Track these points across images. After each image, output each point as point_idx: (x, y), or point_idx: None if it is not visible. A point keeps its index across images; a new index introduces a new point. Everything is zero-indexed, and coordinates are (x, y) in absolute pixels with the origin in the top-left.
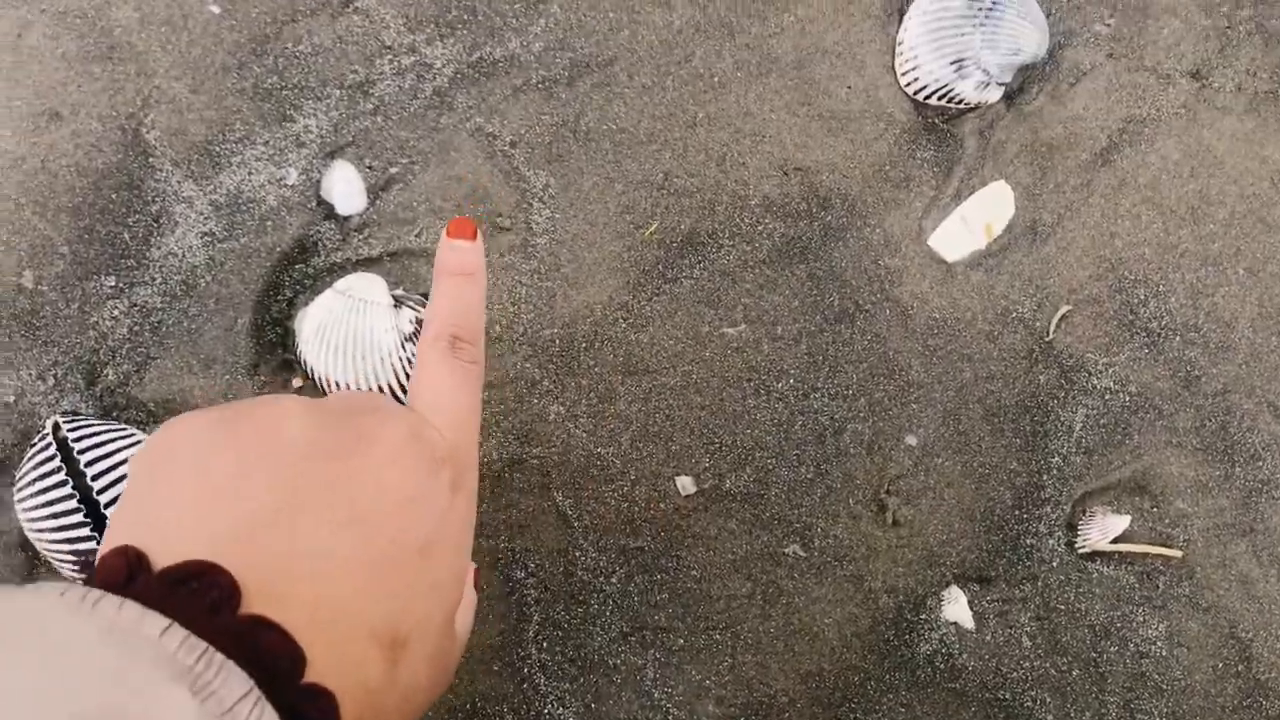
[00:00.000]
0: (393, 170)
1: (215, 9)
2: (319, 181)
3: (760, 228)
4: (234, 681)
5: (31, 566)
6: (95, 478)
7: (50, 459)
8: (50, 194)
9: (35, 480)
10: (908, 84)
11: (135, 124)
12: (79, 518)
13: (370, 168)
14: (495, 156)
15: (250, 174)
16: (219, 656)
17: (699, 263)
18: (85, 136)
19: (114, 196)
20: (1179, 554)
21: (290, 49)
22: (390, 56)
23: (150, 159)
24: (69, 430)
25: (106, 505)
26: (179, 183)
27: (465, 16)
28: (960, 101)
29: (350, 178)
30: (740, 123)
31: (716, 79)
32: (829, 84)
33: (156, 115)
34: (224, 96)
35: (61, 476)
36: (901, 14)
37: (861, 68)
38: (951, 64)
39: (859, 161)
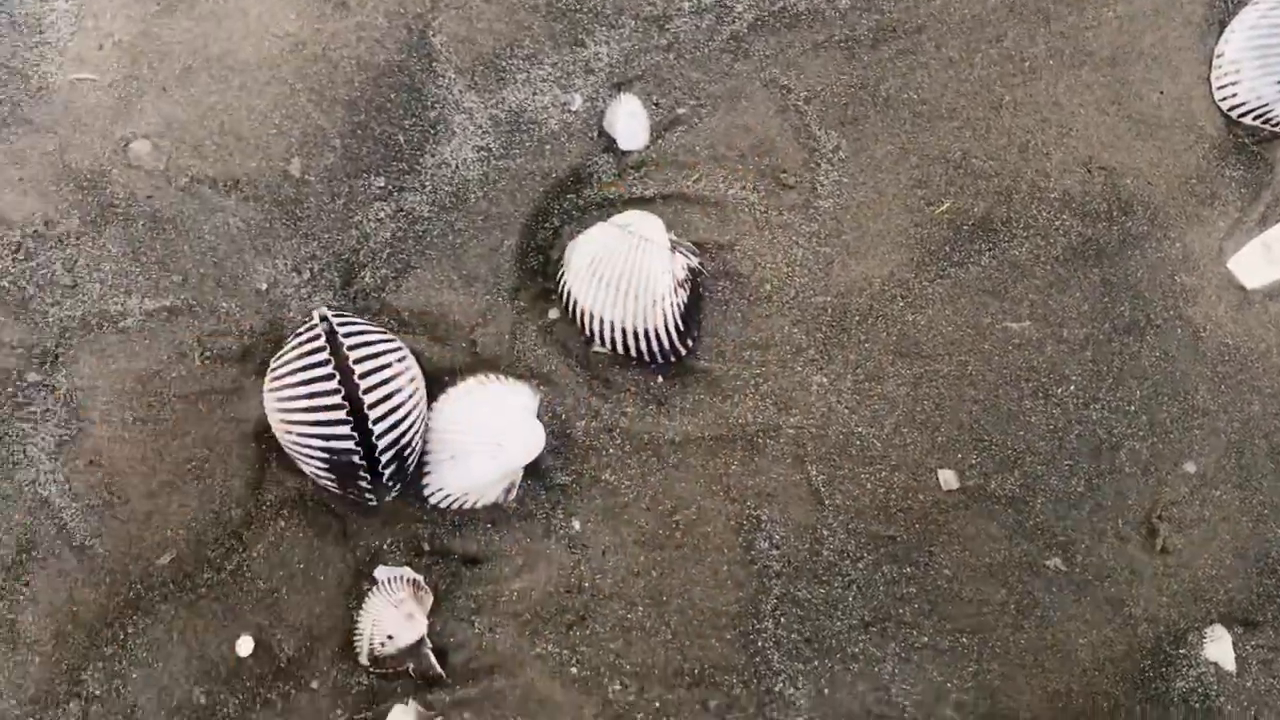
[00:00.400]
0: (679, 111)
1: None
2: (602, 112)
3: (1057, 223)
4: None
5: (263, 460)
6: (363, 376)
7: (319, 350)
8: (328, 84)
9: (299, 370)
10: (1223, 99)
11: (422, 25)
12: (341, 415)
13: (657, 105)
14: (787, 111)
15: (535, 94)
16: None
17: (989, 250)
18: (370, 30)
19: (392, 96)
20: None
21: None
22: None
23: (434, 63)
24: (338, 324)
25: (370, 406)
26: (461, 92)
27: None
28: (1277, 125)
29: (635, 112)
30: (1048, 112)
31: (1027, 64)
32: (1142, 86)
33: (445, 19)
34: (516, 10)
35: (328, 370)
36: (1223, 25)
37: (1176, 74)
38: (1278, 84)
39: (1165, 171)
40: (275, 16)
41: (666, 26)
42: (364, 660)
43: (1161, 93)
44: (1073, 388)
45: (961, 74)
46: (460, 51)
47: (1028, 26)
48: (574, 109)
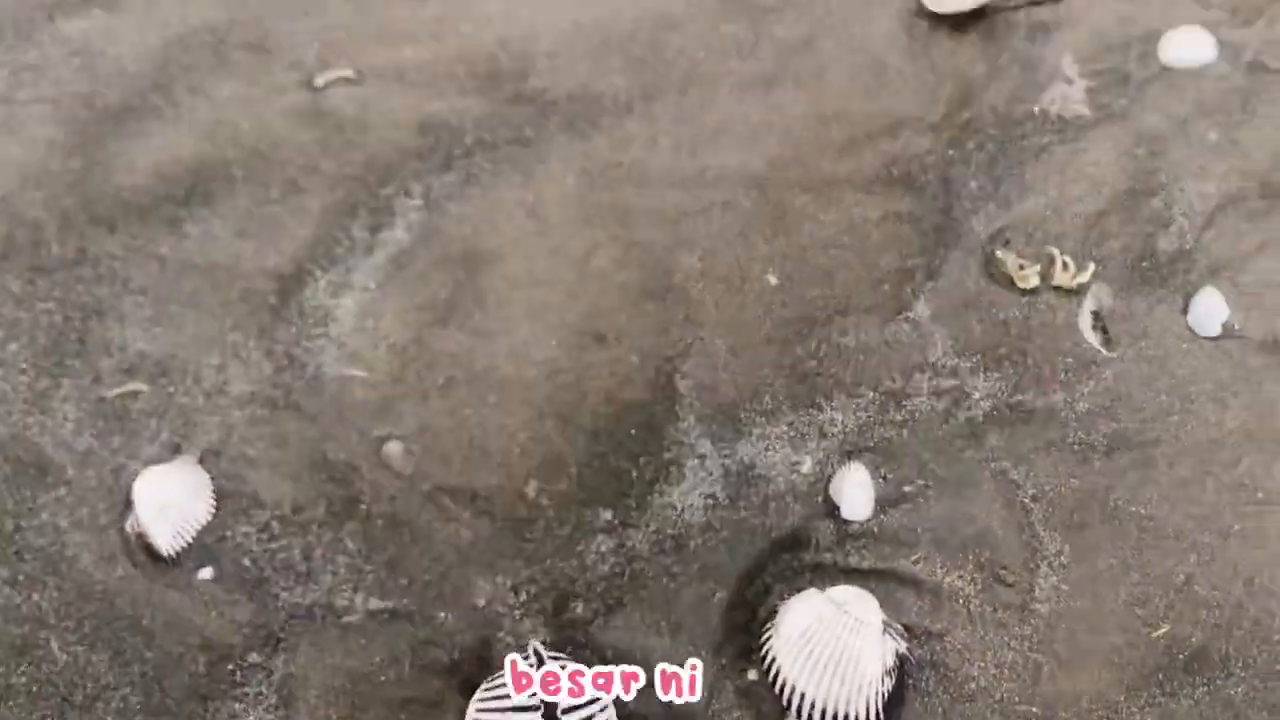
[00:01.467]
0: (906, 488)
1: (773, 280)
2: (830, 477)
3: (1278, 667)
4: None
5: None
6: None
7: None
8: (575, 412)
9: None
10: None
11: (671, 368)
12: None
13: (885, 478)
14: (1014, 506)
15: (767, 449)
16: None
17: (1203, 685)
18: (623, 366)
19: (633, 432)
20: None
21: (835, 339)
22: (931, 374)
23: (676, 406)
24: (550, 662)
25: None
26: (698, 438)
27: (1015, 356)
28: None
29: (863, 482)
30: (1277, 545)
31: (1261, 494)
32: None
33: (693, 365)
34: (761, 366)
35: (535, 718)
36: None
37: None
38: None
39: None
40: (539, 340)
41: (903, 403)
42: None
43: None
44: None
45: (1192, 495)
46: (703, 398)
47: (1264, 457)
48: (803, 470)
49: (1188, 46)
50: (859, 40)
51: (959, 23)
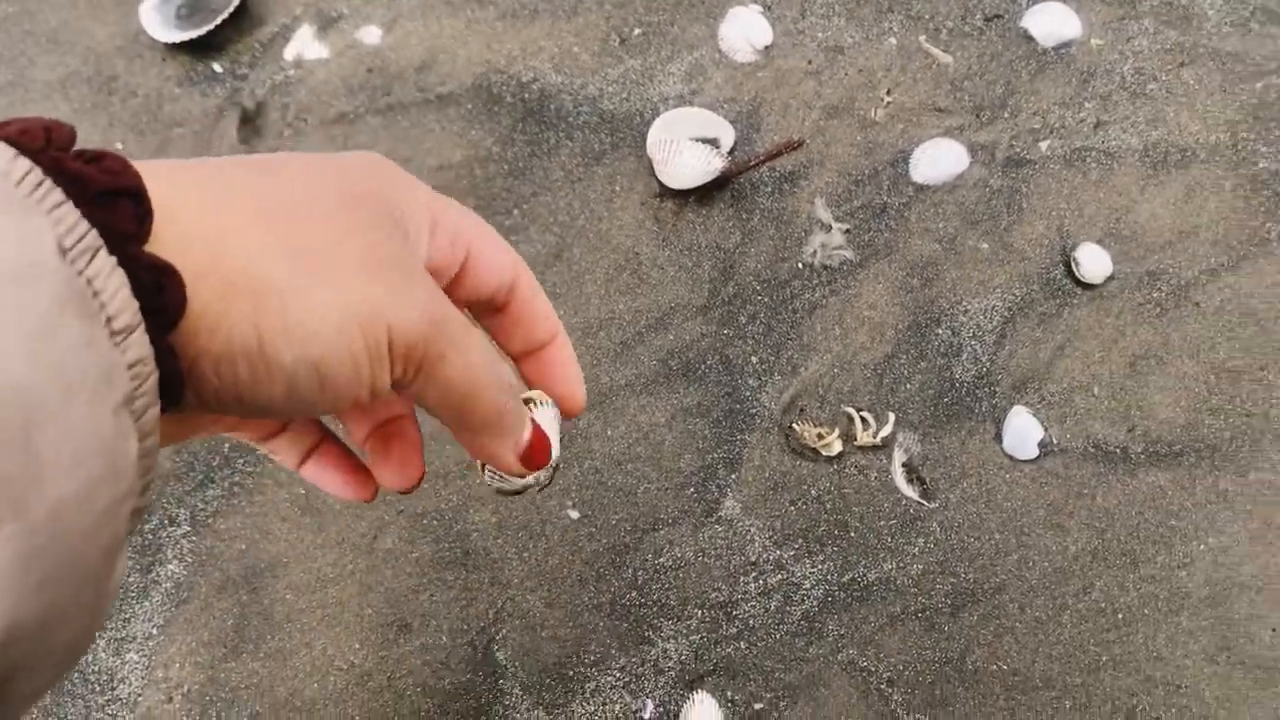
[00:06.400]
0: (757, 706)
1: (574, 514)
2: (677, 716)
3: None
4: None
5: None
6: None
7: None
8: (394, 714)
9: None
10: None
11: (486, 639)
12: None
13: (733, 701)
14: (870, 695)
15: (604, 704)
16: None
17: None
18: (434, 651)
19: None
20: None
21: (651, 561)
22: (756, 573)
23: (500, 681)
24: None
25: None
26: (529, 710)
27: (836, 531)
28: None
29: (711, 714)
30: (1150, 668)
31: (1120, 616)
32: (1249, 625)
33: (509, 631)
34: (580, 612)
35: None
36: None
37: None
38: None
39: None
40: (340, 648)
41: (734, 614)
42: None
43: (1274, 630)
44: None
45: (1051, 635)
46: (525, 664)
47: (1115, 573)
48: (646, 716)
49: (939, 161)
50: (608, 239)
51: (703, 196)
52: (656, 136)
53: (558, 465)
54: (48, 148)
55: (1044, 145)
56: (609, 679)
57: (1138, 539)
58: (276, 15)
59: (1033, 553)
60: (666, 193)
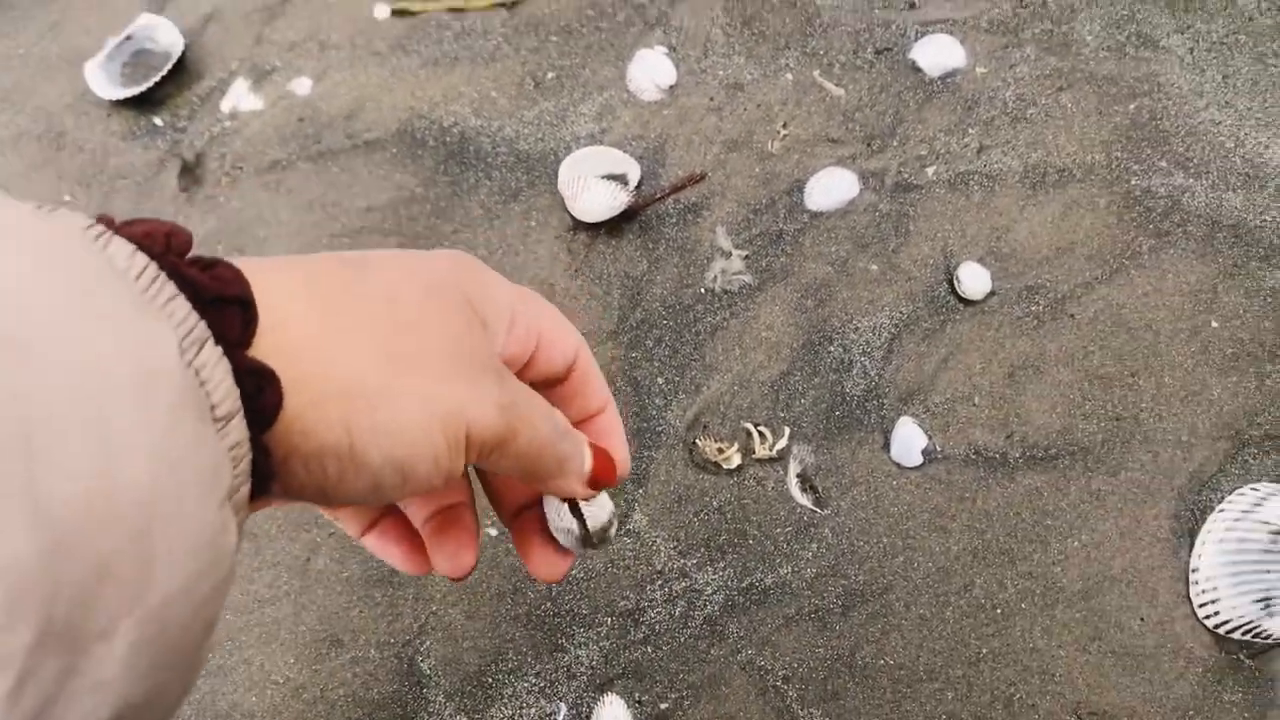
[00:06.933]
0: (663, 705)
1: (493, 531)
2: (589, 717)
3: None
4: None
5: None
6: None
7: None
8: None
9: None
10: (1206, 616)
11: (411, 651)
12: None
13: (640, 702)
14: (767, 693)
15: (521, 708)
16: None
17: None
18: (363, 664)
19: None
20: None
21: None
22: (661, 581)
23: (424, 689)
24: None
25: None
26: (451, 715)
27: (736, 539)
28: (1268, 637)
29: (620, 715)
30: (1027, 659)
31: (999, 610)
32: (1120, 615)
33: (432, 643)
34: (499, 623)
35: None
36: (1193, 537)
37: (1154, 597)
38: (1257, 602)
39: (1159, 705)
40: (275, 662)
41: (641, 619)
42: None
43: (1142, 619)
44: None
45: (935, 631)
46: (448, 673)
47: (994, 571)
48: (559, 719)
49: (831, 189)
50: (525, 270)
51: (613, 227)
52: (566, 175)
53: (614, 521)
54: (167, 252)
55: (930, 171)
56: (525, 684)
57: (1015, 538)
58: (214, 70)
59: (918, 554)
60: (579, 226)
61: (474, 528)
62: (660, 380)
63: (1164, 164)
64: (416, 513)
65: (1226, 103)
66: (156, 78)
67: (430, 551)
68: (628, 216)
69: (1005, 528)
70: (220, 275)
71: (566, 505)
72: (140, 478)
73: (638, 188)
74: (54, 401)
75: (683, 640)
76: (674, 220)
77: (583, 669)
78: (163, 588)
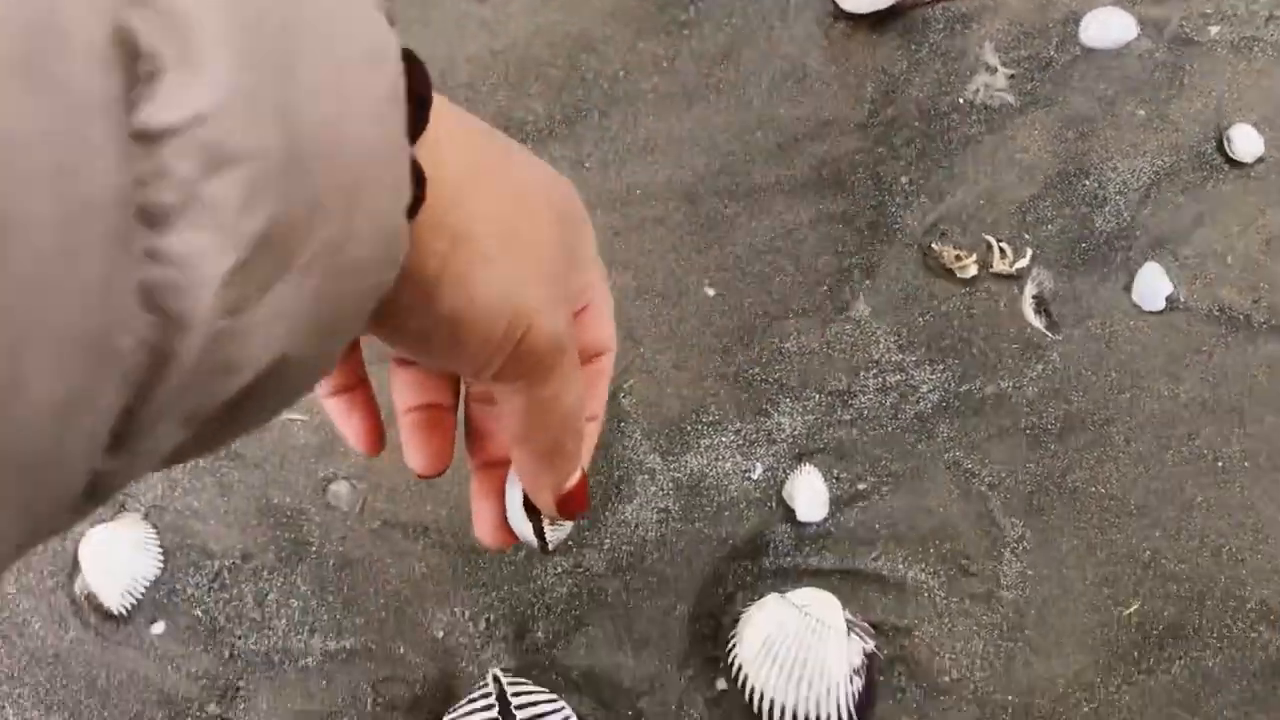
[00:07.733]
0: (860, 486)
1: (711, 291)
2: (783, 482)
3: (1255, 636)
4: None
5: None
6: None
7: (489, 709)
8: None
9: None
10: None
11: (614, 387)
12: None
13: (838, 479)
14: (970, 495)
15: (717, 459)
16: None
17: (1179, 658)
18: None
19: None
20: None
21: (777, 344)
22: (876, 371)
23: (622, 424)
24: (510, 689)
25: None
26: (646, 454)
27: (960, 346)
28: None
29: (816, 485)
30: (1242, 515)
31: (1221, 464)
32: None
33: (636, 383)
34: (704, 378)
35: None
36: None
37: None
38: None
39: None
40: None
41: (851, 403)
42: None
43: None
44: None
45: (1151, 470)
46: (648, 414)
47: (1221, 426)
48: (754, 477)
49: (1108, 27)
50: (778, 47)
51: (876, 22)
52: None
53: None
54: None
55: (1214, 30)
56: (724, 439)
57: (1249, 398)
58: None
59: (1145, 395)
60: (842, 15)
61: (452, 433)
62: (904, 180)
63: None
64: (403, 399)
65: None
66: None
67: (408, 445)
68: (895, 12)
69: (1240, 387)
70: (418, 70)
71: (526, 511)
72: (363, 143)
73: None
74: (315, 38)
75: (890, 430)
76: (941, 26)
77: (784, 436)
78: (354, 252)
